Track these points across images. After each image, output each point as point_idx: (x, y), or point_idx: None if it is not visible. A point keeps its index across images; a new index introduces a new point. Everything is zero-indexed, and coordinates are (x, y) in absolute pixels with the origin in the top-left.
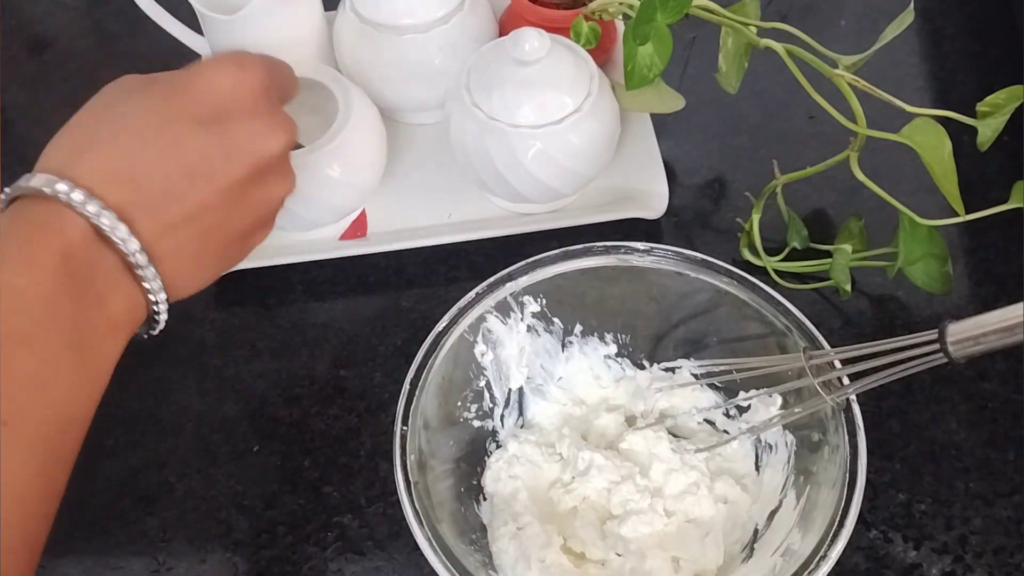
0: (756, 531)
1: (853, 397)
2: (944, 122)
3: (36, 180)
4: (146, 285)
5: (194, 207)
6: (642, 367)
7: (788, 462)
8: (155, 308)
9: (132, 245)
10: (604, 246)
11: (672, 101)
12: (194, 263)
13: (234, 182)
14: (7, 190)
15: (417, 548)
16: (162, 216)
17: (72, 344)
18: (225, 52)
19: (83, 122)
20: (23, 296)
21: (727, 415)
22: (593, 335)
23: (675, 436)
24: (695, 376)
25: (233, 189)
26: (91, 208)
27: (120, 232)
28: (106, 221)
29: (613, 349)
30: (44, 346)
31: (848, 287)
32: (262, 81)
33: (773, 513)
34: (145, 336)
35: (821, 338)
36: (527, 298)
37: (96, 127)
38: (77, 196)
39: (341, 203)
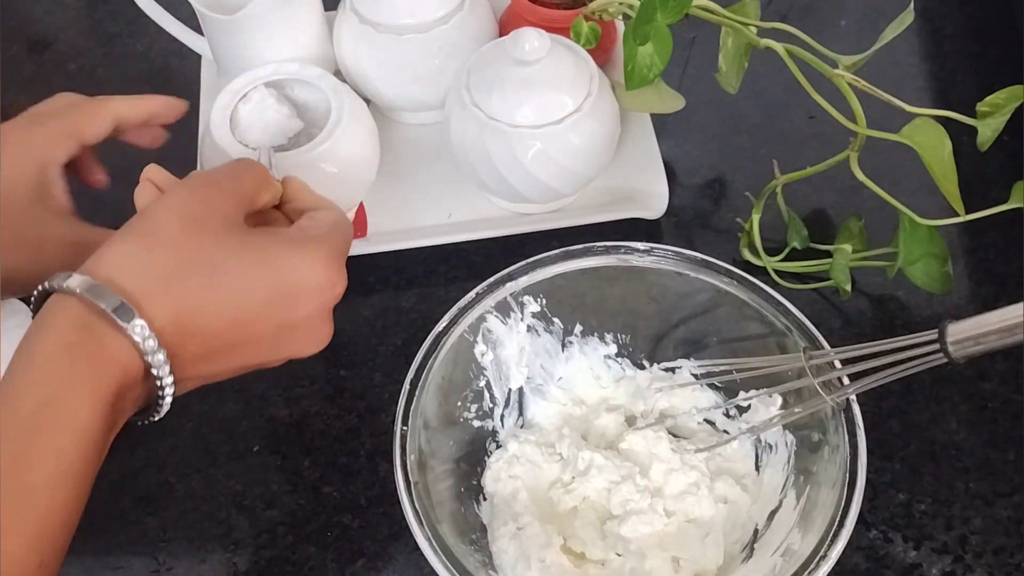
0: (756, 531)
1: (853, 397)
2: (944, 122)
3: (109, 300)
4: (159, 409)
5: (218, 371)
6: (642, 367)
7: (788, 462)
8: (156, 416)
9: (169, 391)
10: (604, 246)
11: (672, 101)
12: (192, 389)
13: (259, 365)
14: (67, 283)
15: (417, 548)
16: (195, 369)
17: (95, 470)
18: (324, 245)
19: (170, 245)
20: (86, 433)
21: (727, 415)
22: (593, 335)
23: (675, 436)
24: (695, 376)
25: (254, 368)
26: (158, 358)
27: (167, 380)
28: (162, 372)
29: (613, 349)
30: (84, 484)
31: (848, 287)
32: (337, 300)
33: (773, 513)
34: (140, 424)
35: (821, 338)
36: (527, 298)
37: (187, 264)
38: (151, 344)
39: (341, 199)
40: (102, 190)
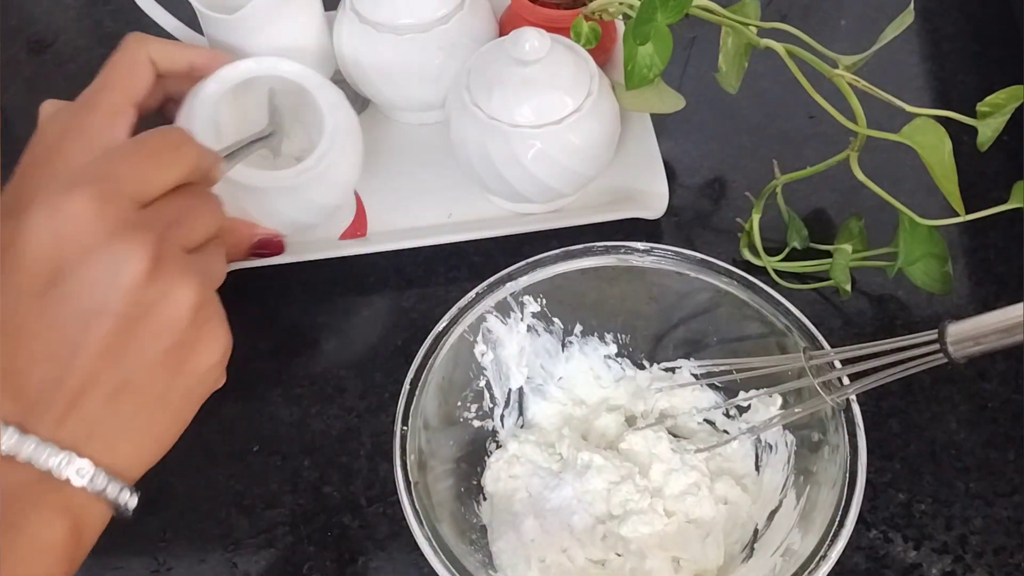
0: (756, 531)
1: (853, 397)
2: (944, 122)
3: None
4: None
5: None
6: (642, 367)
7: (788, 462)
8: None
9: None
10: (604, 246)
11: (672, 101)
12: (129, 441)
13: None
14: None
15: (417, 548)
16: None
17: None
18: (88, 175)
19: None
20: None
21: (727, 415)
22: (593, 335)
23: (675, 436)
24: (695, 376)
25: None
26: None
27: (113, 491)
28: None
29: (613, 349)
30: None
31: (848, 287)
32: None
33: (773, 513)
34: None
35: (821, 338)
36: (527, 298)
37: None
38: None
39: (335, 203)
40: None
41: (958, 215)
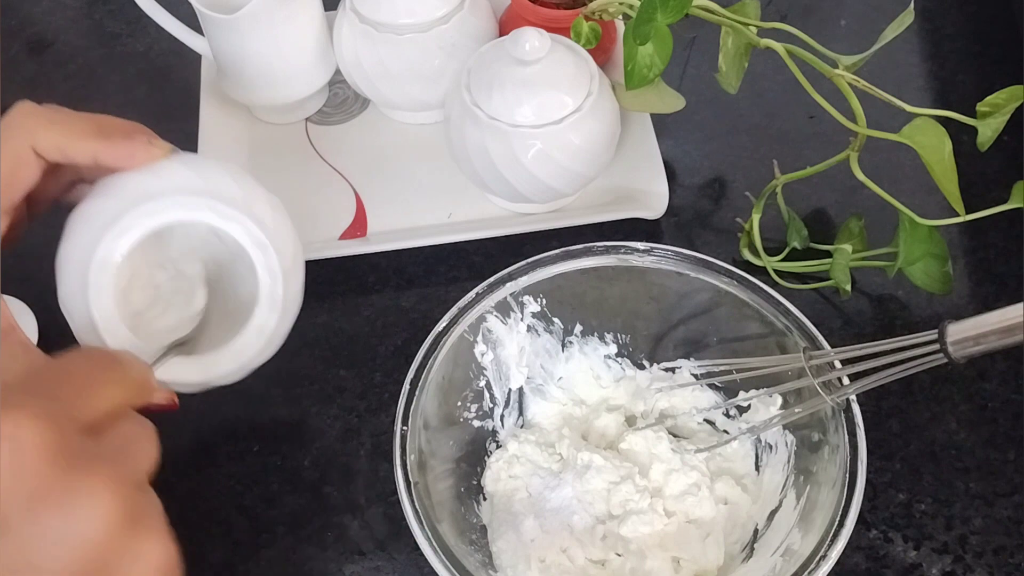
0: (756, 531)
1: (853, 397)
2: (944, 122)
3: None
4: None
5: None
6: (642, 367)
7: (788, 462)
8: None
9: None
10: (604, 246)
11: (672, 101)
12: None
13: None
14: None
15: (417, 548)
16: None
17: None
18: None
19: None
20: None
21: (727, 415)
22: (593, 335)
23: (675, 436)
24: (695, 376)
25: None
26: None
27: None
28: None
29: (613, 349)
30: None
31: (848, 287)
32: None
33: (773, 513)
34: None
35: (821, 338)
36: (527, 298)
37: None
38: None
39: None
40: None
41: (958, 215)
